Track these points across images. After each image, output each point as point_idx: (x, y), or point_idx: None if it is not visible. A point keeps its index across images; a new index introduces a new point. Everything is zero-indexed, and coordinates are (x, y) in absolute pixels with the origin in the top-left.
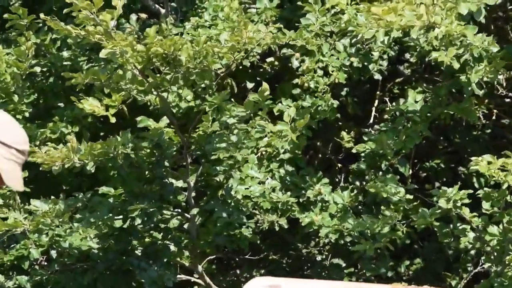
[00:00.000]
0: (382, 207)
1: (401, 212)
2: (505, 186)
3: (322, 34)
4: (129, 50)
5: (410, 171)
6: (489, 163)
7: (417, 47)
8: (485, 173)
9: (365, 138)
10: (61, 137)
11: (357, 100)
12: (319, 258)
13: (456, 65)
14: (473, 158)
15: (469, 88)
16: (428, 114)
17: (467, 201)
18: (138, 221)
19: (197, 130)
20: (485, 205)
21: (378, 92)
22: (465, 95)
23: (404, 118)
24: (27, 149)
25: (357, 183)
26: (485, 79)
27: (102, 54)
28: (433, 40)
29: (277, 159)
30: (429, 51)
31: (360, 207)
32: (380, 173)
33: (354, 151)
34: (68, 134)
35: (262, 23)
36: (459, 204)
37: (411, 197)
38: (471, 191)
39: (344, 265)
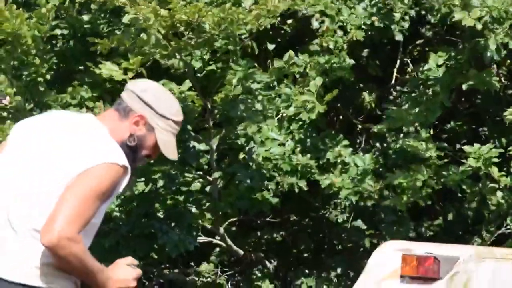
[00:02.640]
0: (411, 165)
1: (433, 168)
2: None
3: None
4: (152, 17)
5: (431, 132)
6: None
7: (437, 6)
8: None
9: (385, 115)
10: (81, 103)
11: (378, 61)
12: (340, 220)
13: (479, 26)
14: (507, 109)
15: (488, 55)
16: (449, 83)
17: (496, 160)
18: (160, 183)
19: (219, 93)
20: None
21: (399, 54)
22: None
23: (424, 89)
24: (181, 119)
25: (378, 145)
26: (506, 41)
27: (125, 19)
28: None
29: (297, 118)
30: (449, 13)
31: (381, 169)
32: (401, 135)
33: (375, 130)
34: (88, 98)
35: None
36: (488, 163)
37: (441, 153)
38: (502, 150)
39: (364, 227)
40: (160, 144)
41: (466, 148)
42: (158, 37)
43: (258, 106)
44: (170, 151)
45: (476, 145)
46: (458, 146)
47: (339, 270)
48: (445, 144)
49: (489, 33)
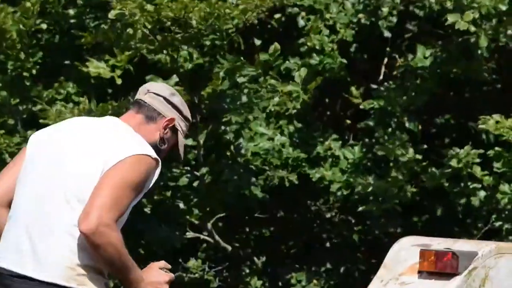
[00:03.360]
0: (391, 168)
1: (409, 173)
2: None
3: None
4: (138, 12)
5: (420, 127)
6: (497, 122)
7: (428, 4)
8: (493, 132)
9: (373, 95)
10: (68, 98)
11: (366, 56)
12: (328, 215)
13: (472, 29)
14: (481, 117)
15: (479, 52)
16: (438, 71)
17: (478, 160)
18: None
19: (206, 88)
20: (496, 164)
21: (387, 49)
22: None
23: (412, 75)
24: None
25: (366, 140)
26: (496, 36)
27: (111, 15)
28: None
29: (286, 114)
30: (441, 11)
31: (369, 163)
32: (389, 129)
33: (362, 107)
34: (74, 94)
35: None
36: (470, 164)
37: (420, 157)
38: (482, 151)
39: (353, 221)
40: (180, 146)
41: (445, 152)
42: (145, 32)
43: (244, 99)
44: (182, 152)
45: (455, 148)
46: (447, 140)
47: (328, 265)
48: (425, 146)
49: (479, 30)
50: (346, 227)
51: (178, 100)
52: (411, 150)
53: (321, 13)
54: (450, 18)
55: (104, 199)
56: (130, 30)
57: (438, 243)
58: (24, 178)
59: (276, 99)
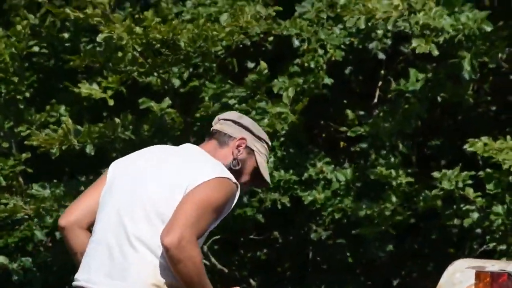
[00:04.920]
0: (383, 191)
1: (402, 196)
2: (505, 166)
3: (318, 20)
4: (125, 36)
5: (415, 150)
6: (485, 144)
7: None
8: (482, 154)
9: (362, 122)
10: (61, 120)
11: (362, 78)
12: (323, 237)
13: (435, 53)
14: (469, 140)
15: (464, 74)
16: (429, 95)
17: (470, 182)
18: None
19: (199, 110)
20: (489, 185)
21: (382, 71)
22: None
23: (403, 100)
24: (270, 144)
25: (361, 162)
26: (482, 59)
27: (99, 38)
28: (414, 26)
29: (277, 135)
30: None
31: (361, 186)
32: (384, 152)
33: (349, 134)
34: (66, 116)
35: (261, 4)
36: (461, 185)
37: (412, 179)
38: (473, 172)
39: (347, 244)
40: (260, 166)
41: (435, 174)
42: (134, 54)
43: None
44: (267, 175)
45: (444, 171)
46: (443, 162)
47: (323, 287)
48: (416, 169)
49: (463, 52)
50: (341, 250)
51: (247, 121)
52: (403, 173)
53: (310, 40)
54: (414, 43)
55: (188, 216)
56: (119, 53)
57: (492, 265)
58: (105, 201)
59: (266, 120)
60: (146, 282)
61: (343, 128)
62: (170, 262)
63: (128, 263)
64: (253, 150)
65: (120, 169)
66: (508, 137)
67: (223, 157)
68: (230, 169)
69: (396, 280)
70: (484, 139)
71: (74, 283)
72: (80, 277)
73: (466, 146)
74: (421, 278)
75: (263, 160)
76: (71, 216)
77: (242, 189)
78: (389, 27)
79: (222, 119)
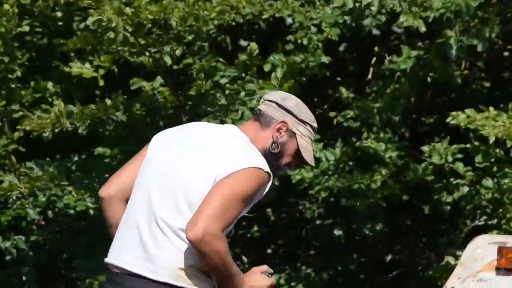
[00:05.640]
0: (374, 164)
1: (391, 167)
2: (491, 140)
3: (311, 1)
4: (114, 19)
5: (408, 127)
6: (468, 116)
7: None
8: (465, 126)
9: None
10: (52, 100)
11: (356, 55)
12: (315, 215)
13: (422, 28)
14: (453, 113)
15: (451, 53)
16: (420, 73)
17: (460, 156)
18: None
19: (191, 89)
20: (477, 158)
21: (376, 48)
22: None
23: (393, 81)
24: (316, 126)
25: (354, 139)
26: (473, 40)
27: (89, 22)
28: (403, 3)
29: None
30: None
31: (351, 163)
32: (375, 129)
33: (338, 119)
34: (55, 93)
35: None
36: (451, 159)
37: (402, 153)
38: (463, 145)
39: (339, 222)
40: (302, 148)
41: (425, 148)
42: (126, 35)
43: (223, 101)
44: (309, 157)
45: (433, 144)
46: (437, 139)
47: (317, 265)
48: (407, 143)
49: (449, 31)
50: (333, 227)
51: (291, 103)
52: (392, 146)
53: (302, 20)
54: (401, 18)
55: (214, 208)
56: (111, 34)
57: None
58: (141, 179)
59: (254, 102)
60: (173, 266)
61: (332, 113)
62: (195, 254)
63: (157, 246)
64: (294, 133)
65: (159, 146)
66: (491, 108)
67: (263, 140)
68: (269, 152)
69: (388, 257)
70: (468, 111)
71: (106, 260)
72: (112, 254)
73: (448, 119)
74: (413, 255)
75: (305, 142)
76: (111, 189)
77: (283, 170)
78: (376, 4)
79: (267, 100)
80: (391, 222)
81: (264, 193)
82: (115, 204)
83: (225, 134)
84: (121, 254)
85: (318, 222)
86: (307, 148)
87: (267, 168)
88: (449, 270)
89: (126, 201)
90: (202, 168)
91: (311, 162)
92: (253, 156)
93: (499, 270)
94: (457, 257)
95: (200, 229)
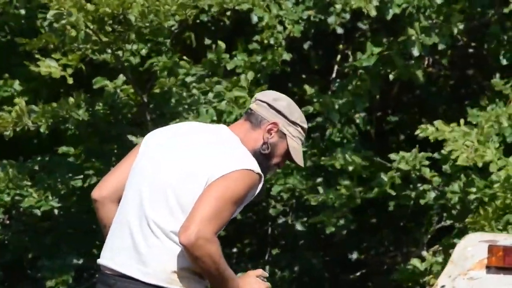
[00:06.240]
0: (337, 174)
1: (356, 182)
2: (453, 156)
3: None
4: (75, 12)
5: (373, 125)
6: (437, 129)
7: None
8: (433, 140)
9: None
10: (16, 97)
11: (321, 53)
12: (282, 214)
13: (373, 13)
14: (422, 126)
15: (414, 49)
16: (382, 71)
17: (427, 163)
18: (94, 180)
19: (155, 87)
20: (445, 166)
21: (340, 46)
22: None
23: (355, 77)
24: (307, 127)
25: (318, 134)
26: (435, 38)
27: (49, 15)
28: None
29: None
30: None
31: (314, 166)
32: (339, 125)
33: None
34: (22, 92)
35: None
36: (418, 166)
37: (367, 163)
38: (430, 154)
39: (306, 221)
40: (292, 150)
41: (392, 156)
42: (87, 32)
43: (190, 100)
44: (299, 158)
45: (402, 153)
46: (402, 137)
47: (283, 263)
48: (371, 153)
49: (410, 30)
50: (301, 225)
51: (282, 104)
52: (357, 159)
53: (264, 16)
54: (352, 1)
55: (206, 211)
56: (72, 32)
57: (505, 239)
58: (131, 178)
59: (224, 103)
60: (166, 269)
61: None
62: (188, 258)
63: (149, 249)
64: (285, 134)
65: (150, 146)
66: (462, 121)
67: (254, 140)
68: (260, 153)
69: (354, 255)
70: (436, 123)
71: (99, 260)
72: (104, 254)
73: (417, 132)
74: (378, 254)
75: (295, 143)
76: (103, 190)
77: (273, 170)
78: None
79: (259, 100)
80: (356, 221)
81: (256, 194)
82: (108, 205)
83: (216, 135)
84: (113, 255)
85: (284, 220)
86: (297, 149)
87: (258, 170)
88: (415, 275)
89: (119, 201)
90: (194, 169)
91: (301, 163)
92: (244, 157)
93: (490, 268)
94: (423, 259)
95: (193, 233)
